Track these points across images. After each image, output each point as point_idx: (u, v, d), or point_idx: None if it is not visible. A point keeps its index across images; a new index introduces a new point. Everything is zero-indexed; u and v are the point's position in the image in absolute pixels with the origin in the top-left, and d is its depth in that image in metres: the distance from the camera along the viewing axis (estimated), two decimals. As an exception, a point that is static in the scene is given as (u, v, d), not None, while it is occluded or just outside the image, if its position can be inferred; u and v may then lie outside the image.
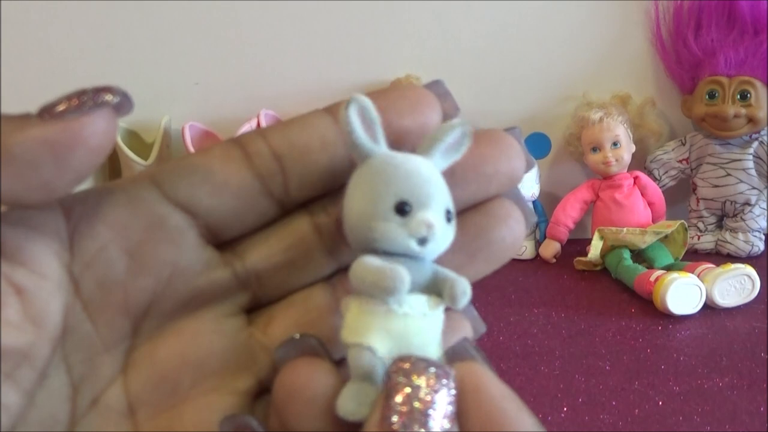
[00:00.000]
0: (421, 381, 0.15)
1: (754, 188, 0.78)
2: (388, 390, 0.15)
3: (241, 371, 0.19)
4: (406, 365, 0.15)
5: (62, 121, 0.16)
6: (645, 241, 0.71)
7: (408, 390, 0.14)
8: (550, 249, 0.79)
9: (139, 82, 0.87)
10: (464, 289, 0.17)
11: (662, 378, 0.52)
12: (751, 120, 0.74)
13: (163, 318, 0.19)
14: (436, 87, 0.20)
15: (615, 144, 0.77)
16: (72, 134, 0.16)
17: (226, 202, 0.18)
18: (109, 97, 0.17)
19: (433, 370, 0.15)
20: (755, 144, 0.77)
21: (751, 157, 0.77)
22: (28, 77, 0.87)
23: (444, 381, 0.15)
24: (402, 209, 0.16)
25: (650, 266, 0.71)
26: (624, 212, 0.77)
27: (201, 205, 0.18)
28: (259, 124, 0.79)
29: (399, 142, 0.18)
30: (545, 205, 0.83)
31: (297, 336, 0.17)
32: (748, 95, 0.74)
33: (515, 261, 0.81)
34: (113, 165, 0.83)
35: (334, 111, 0.19)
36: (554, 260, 0.80)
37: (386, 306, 0.16)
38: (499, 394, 0.15)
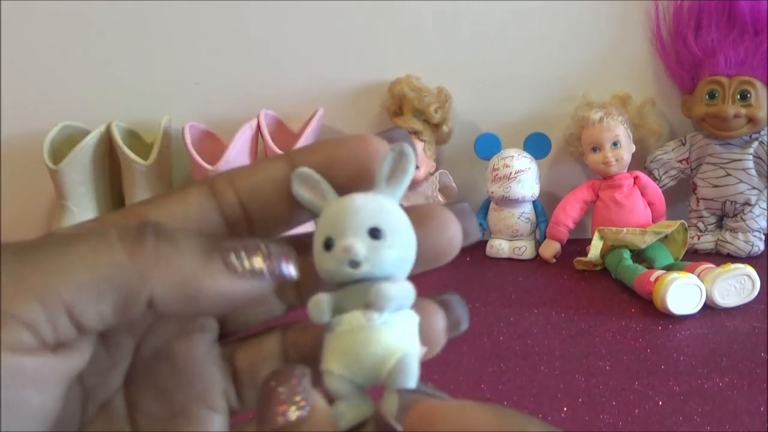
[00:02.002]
0: (283, 387, 0.17)
1: (754, 188, 0.78)
2: (261, 395, 0.17)
3: (225, 392, 0.21)
4: (274, 375, 0.18)
5: (250, 282, 0.18)
6: (645, 241, 0.71)
7: (275, 393, 0.17)
8: (550, 249, 0.79)
9: (139, 82, 0.87)
10: (378, 292, 0.18)
11: (662, 378, 0.52)
12: (751, 120, 0.74)
13: (161, 339, 0.21)
14: (391, 133, 0.21)
15: (615, 144, 0.77)
16: (242, 298, 0.18)
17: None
18: (292, 272, 0.19)
19: (292, 374, 0.17)
20: (755, 144, 0.77)
21: (751, 157, 0.77)
22: (28, 77, 0.87)
23: (297, 380, 0.17)
24: (328, 245, 0.18)
25: (650, 266, 0.71)
26: (624, 212, 0.77)
27: None
28: (259, 124, 0.79)
29: (354, 186, 0.20)
30: (545, 205, 0.83)
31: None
32: (748, 95, 0.74)
33: (515, 261, 0.81)
34: (113, 165, 0.83)
35: (293, 158, 0.20)
36: (554, 260, 0.80)
37: (328, 330, 0.19)
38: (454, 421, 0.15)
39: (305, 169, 0.19)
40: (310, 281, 0.19)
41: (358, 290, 0.18)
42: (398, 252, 0.19)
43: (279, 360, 0.21)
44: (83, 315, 0.16)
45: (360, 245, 0.18)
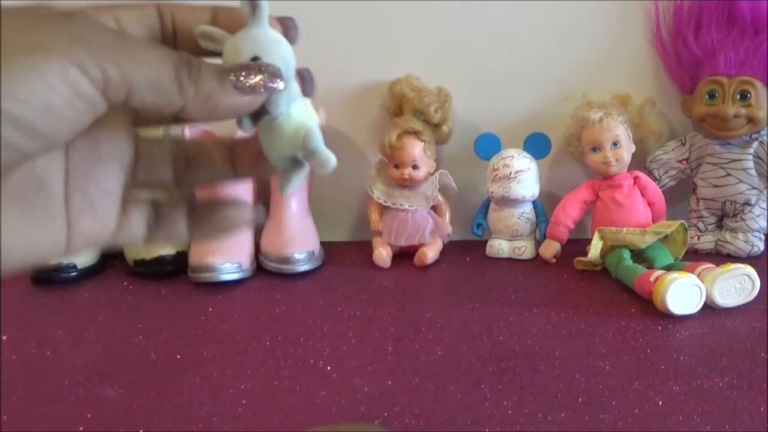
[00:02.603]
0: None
1: (754, 188, 0.78)
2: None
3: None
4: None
5: (250, 95, 0.26)
6: (645, 241, 0.71)
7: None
8: (550, 249, 0.80)
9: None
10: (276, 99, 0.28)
11: (662, 378, 0.52)
12: (751, 120, 0.74)
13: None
14: None
15: (615, 144, 0.77)
16: (246, 108, 0.26)
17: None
18: (279, 86, 0.26)
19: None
20: (755, 144, 0.77)
21: (751, 157, 0.77)
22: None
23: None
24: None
25: (650, 266, 0.71)
26: (624, 212, 0.77)
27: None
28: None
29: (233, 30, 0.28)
30: (545, 205, 0.83)
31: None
32: (748, 95, 0.74)
33: (515, 261, 0.81)
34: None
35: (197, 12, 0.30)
36: (554, 260, 0.80)
37: (260, 130, 0.29)
38: None
39: (207, 27, 0.28)
40: (244, 157, 0.30)
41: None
42: (281, 64, 0.27)
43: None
44: (133, 92, 0.24)
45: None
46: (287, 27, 0.29)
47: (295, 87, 0.28)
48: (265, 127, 0.28)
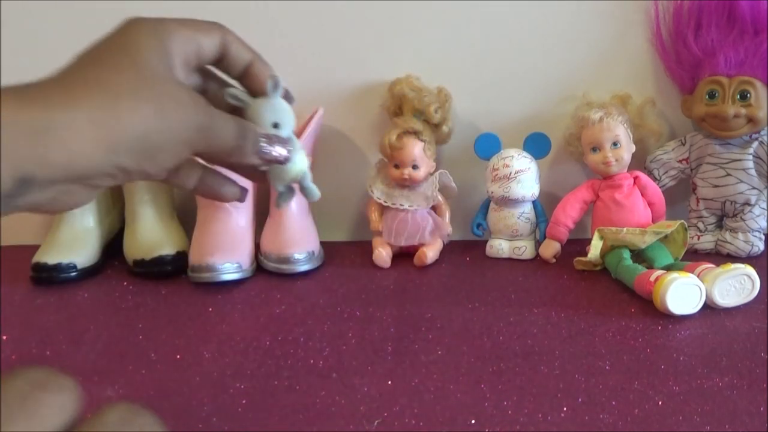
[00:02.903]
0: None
1: (754, 188, 0.78)
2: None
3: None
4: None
5: (267, 161, 0.39)
6: (645, 241, 0.71)
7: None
8: (550, 249, 0.80)
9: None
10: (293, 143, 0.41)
11: (662, 378, 0.52)
12: (751, 120, 0.74)
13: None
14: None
15: (615, 144, 0.77)
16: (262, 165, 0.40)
17: None
18: (287, 158, 0.40)
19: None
20: (755, 144, 0.77)
21: (751, 157, 0.77)
22: (28, 77, 0.87)
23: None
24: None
25: (650, 266, 0.71)
26: (624, 212, 0.77)
27: None
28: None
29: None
30: (545, 205, 0.83)
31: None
32: (748, 95, 0.74)
33: (515, 261, 0.81)
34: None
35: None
36: (554, 260, 0.80)
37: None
38: None
39: (234, 90, 0.40)
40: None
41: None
42: (287, 129, 0.40)
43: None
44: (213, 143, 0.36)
45: (271, 131, 0.40)
46: (287, 94, 0.41)
47: (296, 141, 0.41)
48: (276, 167, 0.40)
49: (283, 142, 0.38)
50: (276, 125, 0.39)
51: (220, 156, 0.36)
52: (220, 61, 0.39)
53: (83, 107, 0.30)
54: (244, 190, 0.43)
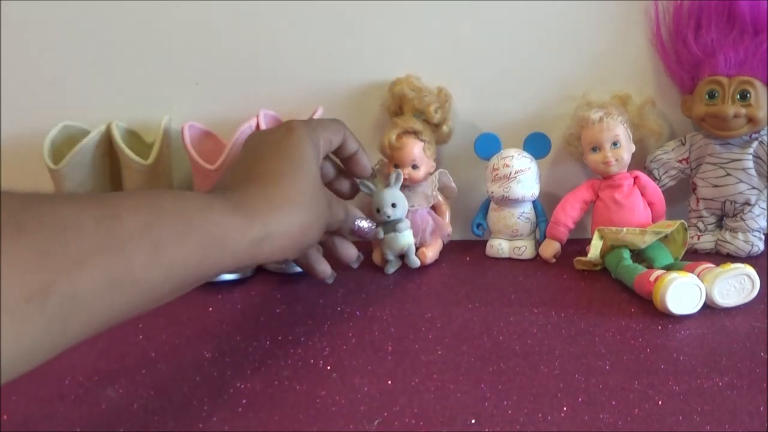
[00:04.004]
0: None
1: (754, 188, 0.78)
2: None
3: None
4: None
5: (355, 233, 0.62)
6: (645, 241, 0.71)
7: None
8: (550, 249, 0.80)
9: (139, 82, 0.87)
10: (401, 225, 0.73)
11: (662, 378, 0.52)
12: (751, 120, 0.74)
13: None
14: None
15: (615, 144, 0.77)
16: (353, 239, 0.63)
17: None
18: (377, 234, 0.70)
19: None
20: (755, 144, 0.77)
21: (750, 157, 0.77)
22: (28, 77, 0.87)
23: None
24: (377, 209, 0.73)
25: (650, 266, 0.71)
26: (624, 212, 0.77)
27: None
28: (258, 125, 0.79)
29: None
30: (545, 205, 0.83)
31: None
32: (748, 95, 0.74)
33: (515, 261, 0.81)
34: (113, 165, 0.83)
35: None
36: (554, 260, 0.80)
37: (382, 238, 0.74)
38: None
39: (367, 182, 0.67)
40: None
41: (390, 223, 0.72)
42: (401, 210, 0.72)
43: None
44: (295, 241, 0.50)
45: (390, 210, 0.71)
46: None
47: (407, 221, 0.69)
48: (390, 234, 0.68)
49: (372, 222, 0.62)
50: (394, 205, 0.71)
51: (332, 227, 0.56)
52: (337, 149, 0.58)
53: (283, 221, 0.46)
54: (360, 255, 0.65)
